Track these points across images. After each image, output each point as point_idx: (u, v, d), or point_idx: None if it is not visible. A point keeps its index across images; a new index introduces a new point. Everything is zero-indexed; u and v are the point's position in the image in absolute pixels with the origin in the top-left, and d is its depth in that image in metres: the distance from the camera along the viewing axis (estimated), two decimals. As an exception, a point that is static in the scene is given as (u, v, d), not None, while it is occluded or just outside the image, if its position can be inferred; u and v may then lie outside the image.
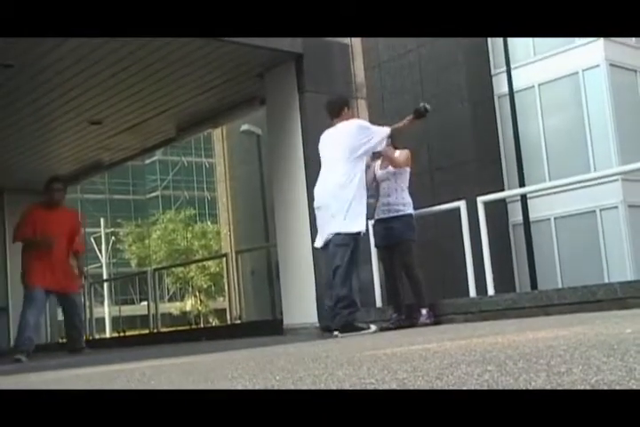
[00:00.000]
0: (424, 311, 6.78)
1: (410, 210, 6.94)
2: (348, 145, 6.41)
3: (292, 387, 2.05)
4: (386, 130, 6.66)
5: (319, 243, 6.53)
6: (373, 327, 6.25)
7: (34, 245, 7.93)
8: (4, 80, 8.74)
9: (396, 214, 6.89)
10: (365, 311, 7.80)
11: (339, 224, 6.27)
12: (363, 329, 6.13)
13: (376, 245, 7.27)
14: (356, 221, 6.29)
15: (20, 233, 8.14)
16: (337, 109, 6.67)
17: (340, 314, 6.09)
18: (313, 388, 1.97)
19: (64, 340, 11.38)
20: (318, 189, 6.56)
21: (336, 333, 6.06)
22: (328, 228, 6.35)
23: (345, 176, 6.33)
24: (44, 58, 8.25)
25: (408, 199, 6.97)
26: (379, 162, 7.05)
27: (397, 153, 6.96)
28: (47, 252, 7.88)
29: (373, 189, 7.07)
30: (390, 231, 6.88)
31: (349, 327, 6.07)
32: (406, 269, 6.92)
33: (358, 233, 6.33)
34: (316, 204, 6.57)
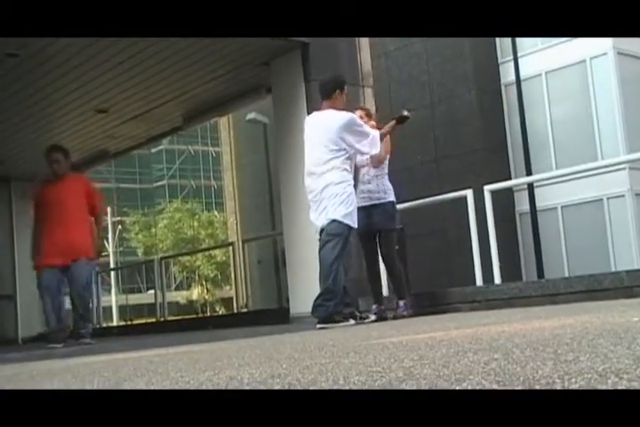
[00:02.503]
0: (401, 303, 6.74)
1: (391, 197, 6.82)
2: (333, 137, 6.24)
3: (299, 375, 2.05)
4: (377, 135, 6.48)
5: (316, 229, 6.40)
6: (352, 321, 6.18)
7: (46, 218, 7.55)
8: (10, 69, 8.74)
9: (377, 202, 6.77)
10: (366, 301, 7.82)
11: (333, 213, 6.16)
12: (341, 322, 6.03)
13: (357, 234, 6.88)
14: (350, 215, 6.19)
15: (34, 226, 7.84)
16: (329, 92, 6.45)
17: (324, 306, 6.02)
18: (319, 377, 1.97)
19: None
20: (311, 184, 6.36)
21: (318, 325, 5.97)
22: (322, 215, 6.23)
23: (336, 174, 6.19)
24: (50, 47, 8.23)
25: (389, 186, 6.86)
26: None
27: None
28: (60, 225, 7.46)
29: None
30: (371, 220, 6.73)
31: (328, 319, 5.98)
32: (386, 260, 6.86)
33: (352, 227, 6.23)
34: (310, 199, 6.41)
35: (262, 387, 1.87)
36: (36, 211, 7.78)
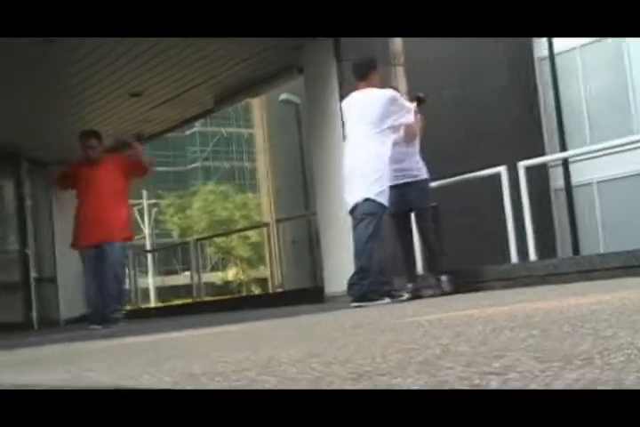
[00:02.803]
0: (444, 278, 6.73)
1: (424, 174, 6.80)
2: (376, 116, 6.26)
3: (336, 354, 2.07)
4: (412, 109, 6.55)
5: (349, 207, 6.43)
6: (387, 299, 6.18)
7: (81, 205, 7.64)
8: (45, 55, 8.81)
9: (412, 180, 6.74)
10: (400, 280, 7.82)
11: (368, 191, 6.18)
12: (376, 300, 6.05)
13: (390, 213, 6.87)
14: (384, 194, 6.21)
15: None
16: (364, 72, 6.47)
17: (359, 284, 6.05)
18: (356, 355, 1.99)
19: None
20: (348, 163, 6.41)
21: (353, 304, 6.02)
22: (357, 193, 6.25)
23: (375, 152, 6.23)
24: (84, 31, 8.28)
25: (421, 163, 6.84)
26: None
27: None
28: (95, 208, 7.50)
29: None
30: (405, 198, 6.71)
31: (363, 298, 6.02)
32: (423, 236, 6.87)
33: (385, 206, 6.25)
34: (346, 177, 6.44)
35: (299, 365, 1.88)
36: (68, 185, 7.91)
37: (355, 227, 6.23)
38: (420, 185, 6.75)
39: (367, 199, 6.16)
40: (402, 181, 6.73)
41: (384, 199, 6.20)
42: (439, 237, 7.01)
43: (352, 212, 6.33)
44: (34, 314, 12.37)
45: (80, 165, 7.81)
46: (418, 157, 6.84)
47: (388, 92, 6.42)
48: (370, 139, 6.25)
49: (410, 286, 6.85)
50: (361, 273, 6.07)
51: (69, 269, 7.95)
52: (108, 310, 7.51)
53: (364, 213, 6.16)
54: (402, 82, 8.77)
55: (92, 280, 7.45)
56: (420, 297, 6.67)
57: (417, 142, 6.87)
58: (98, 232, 7.45)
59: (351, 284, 6.11)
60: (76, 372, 2.46)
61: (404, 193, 6.70)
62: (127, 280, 9.45)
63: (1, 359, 3.87)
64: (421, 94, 6.97)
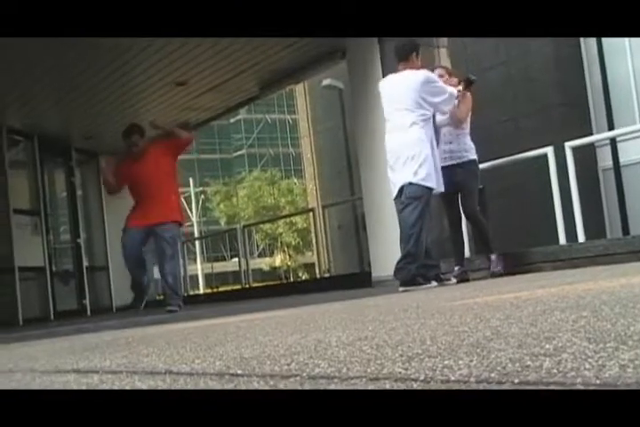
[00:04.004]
0: (493, 257, 6.70)
1: (472, 155, 6.78)
2: (410, 99, 6.23)
3: (386, 337, 2.08)
4: (453, 91, 6.50)
5: (394, 193, 6.42)
6: (434, 283, 6.20)
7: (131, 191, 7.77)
8: (94, 47, 8.93)
9: (459, 161, 6.75)
10: (447, 263, 7.80)
11: (413, 175, 6.15)
12: (423, 284, 6.07)
13: (439, 194, 6.96)
14: (429, 177, 6.18)
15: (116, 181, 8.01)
16: (405, 54, 6.48)
17: (406, 268, 6.05)
18: (406, 337, 2.00)
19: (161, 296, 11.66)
20: (391, 148, 6.39)
21: (401, 288, 6.04)
22: (401, 177, 6.24)
23: (416, 136, 6.19)
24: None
25: (470, 144, 6.82)
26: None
27: (458, 105, 6.79)
28: (147, 199, 7.61)
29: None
30: (453, 180, 6.70)
31: (411, 282, 6.04)
32: (471, 217, 6.83)
33: (432, 189, 6.22)
34: (389, 161, 6.42)
35: (349, 348, 1.90)
36: (120, 184, 7.94)
37: (400, 211, 6.22)
38: (467, 167, 6.73)
39: (412, 183, 6.14)
40: (450, 163, 6.76)
41: (431, 183, 6.18)
42: (486, 219, 6.97)
43: (398, 196, 6.31)
44: (87, 302, 12.61)
45: (126, 161, 7.85)
46: (467, 139, 6.81)
47: (422, 74, 6.37)
48: (410, 121, 6.21)
49: (457, 268, 6.84)
50: (408, 257, 6.06)
51: (120, 258, 8.03)
52: (167, 299, 7.74)
53: (410, 197, 6.14)
54: (446, 63, 8.71)
55: (132, 258, 7.55)
56: (467, 280, 6.66)
57: (466, 124, 6.83)
58: (151, 215, 7.57)
59: (398, 268, 6.11)
60: (131, 357, 2.52)
61: (452, 174, 6.71)
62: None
63: (60, 346, 3.96)
64: (472, 76, 6.93)
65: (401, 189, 6.24)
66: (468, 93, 6.87)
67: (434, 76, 6.51)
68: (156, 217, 7.57)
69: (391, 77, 6.53)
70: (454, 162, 6.76)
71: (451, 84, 6.79)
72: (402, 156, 6.21)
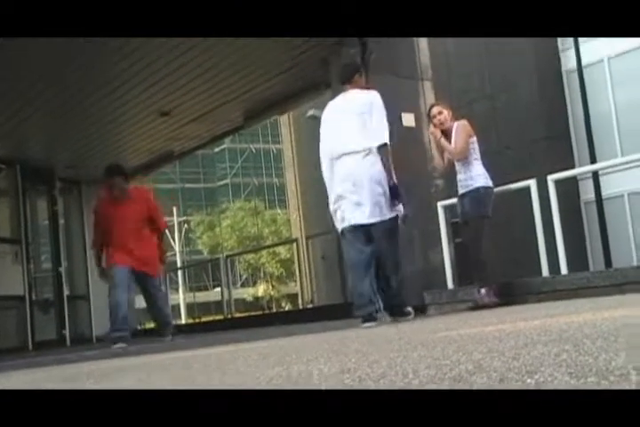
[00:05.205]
0: (483, 291, 6.67)
1: (478, 183, 6.72)
2: (366, 118, 5.74)
3: (368, 370, 2.07)
4: (387, 132, 5.80)
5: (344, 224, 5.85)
6: (412, 312, 5.99)
7: (111, 238, 7.53)
8: (80, 76, 8.96)
9: (466, 190, 6.80)
10: (437, 294, 7.79)
11: (388, 208, 5.74)
12: (406, 315, 5.88)
13: (458, 222, 7.16)
14: (397, 208, 5.78)
15: (92, 241, 7.98)
16: (350, 74, 6.08)
17: (400, 297, 5.87)
18: (389, 370, 1.99)
19: (149, 326, 11.56)
20: (342, 172, 5.77)
21: (390, 318, 5.81)
22: (368, 210, 5.72)
23: (375, 162, 5.69)
24: (115, 54, 8.41)
25: (477, 171, 6.77)
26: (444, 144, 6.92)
27: (453, 137, 6.80)
28: (125, 241, 7.44)
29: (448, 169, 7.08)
30: (462, 209, 6.85)
31: (394, 313, 5.85)
32: (471, 246, 6.83)
33: (397, 217, 5.82)
34: (341, 190, 5.81)
35: (331, 381, 1.89)
36: (97, 225, 7.79)
37: (381, 246, 5.78)
38: (471, 195, 6.76)
39: (390, 218, 5.77)
40: (461, 192, 6.86)
41: (398, 212, 5.81)
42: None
43: (351, 230, 5.82)
44: (67, 331, 12.48)
45: (105, 201, 7.70)
46: (473, 167, 6.77)
47: (373, 93, 5.92)
48: (365, 145, 5.73)
49: (483, 291, 6.73)
50: (399, 286, 5.90)
51: (101, 286, 7.94)
52: (162, 331, 7.96)
53: (385, 230, 5.77)
54: (430, 96, 8.78)
55: (120, 296, 7.23)
56: (495, 305, 6.56)
57: (472, 151, 6.79)
58: (136, 257, 7.45)
59: (392, 296, 5.89)
60: (110, 387, 2.49)
61: (461, 204, 6.86)
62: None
63: (39, 376, 3.91)
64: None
65: (365, 225, 5.80)
66: (462, 123, 6.86)
67: (380, 99, 5.90)
68: (142, 262, 7.50)
69: (336, 101, 6.12)
70: (463, 191, 6.83)
71: (446, 125, 6.78)
72: (362, 184, 5.76)
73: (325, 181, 6.03)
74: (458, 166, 6.87)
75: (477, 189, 6.76)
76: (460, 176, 6.87)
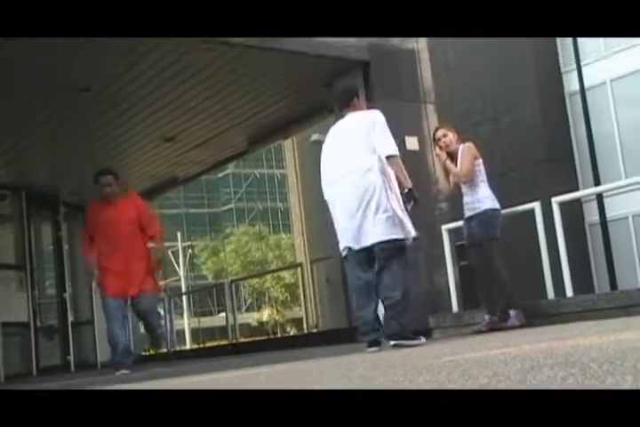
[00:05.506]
0: (512, 313, 6.61)
1: (485, 205, 6.71)
2: (372, 140, 5.65)
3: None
4: (394, 147, 5.73)
5: (352, 245, 5.72)
6: (423, 339, 5.76)
7: (100, 246, 7.32)
8: (82, 104, 9.02)
9: (473, 213, 6.79)
10: (442, 317, 7.76)
11: (393, 229, 5.59)
12: (413, 339, 5.59)
13: (465, 245, 7.11)
14: (404, 226, 5.64)
15: (82, 247, 7.72)
16: (347, 99, 6.04)
17: (397, 320, 5.56)
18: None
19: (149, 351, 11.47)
20: (344, 193, 5.69)
21: (392, 342, 5.57)
22: (373, 235, 5.59)
23: (380, 182, 5.57)
24: (118, 80, 8.48)
25: (484, 194, 6.77)
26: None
27: (459, 159, 6.80)
28: (116, 252, 7.21)
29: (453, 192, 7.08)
30: (471, 231, 6.82)
31: (401, 335, 5.56)
32: (489, 271, 6.78)
33: (405, 239, 5.67)
34: (342, 212, 5.75)
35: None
36: (86, 232, 7.57)
37: (383, 270, 5.61)
38: (479, 217, 6.74)
39: (387, 241, 5.59)
40: (468, 215, 6.84)
41: (405, 231, 5.67)
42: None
43: (356, 253, 5.72)
44: (71, 357, 12.43)
45: (96, 204, 7.59)
46: (480, 189, 6.77)
47: (379, 113, 5.87)
48: (370, 165, 5.63)
49: (488, 317, 6.74)
50: (397, 307, 5.71)
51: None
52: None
53: (391, 251, 5.61)
54: (433, 119, 8.81)
55: (117, 327, 7.18)
56: (498, 329, 6.53)
57: (478, 173, 6.79)
58: (127, 282, 7.25)
59: (387, 320, 5.71)
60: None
61: (469, 226, 6.84)
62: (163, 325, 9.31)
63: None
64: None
65: (367, 247, 5.69)
66: (468, 145, 6.86)
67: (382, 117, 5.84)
68: (134, 284, 7.24)
69: (338, 125, 6.05)
70: (470, 214, 6.81)
71: (451, 148, 6.78)
72: (367, 206, 5.65)
73: (329, 205, 6.01)
74: (464, 189, 6.85)
75: (485, 212, 6.74)
76: (466, 199, 6.85)
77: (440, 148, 6.90)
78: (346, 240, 5.80)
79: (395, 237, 5.64)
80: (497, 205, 6.82)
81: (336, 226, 5.95)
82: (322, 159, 6.07)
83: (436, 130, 7.09)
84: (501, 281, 6.70)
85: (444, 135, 6.87)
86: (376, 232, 5.61)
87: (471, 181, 6.78)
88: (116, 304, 7.24)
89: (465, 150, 6.80)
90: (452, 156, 6.84)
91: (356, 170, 5.67)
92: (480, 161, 6.85)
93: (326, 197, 5.98)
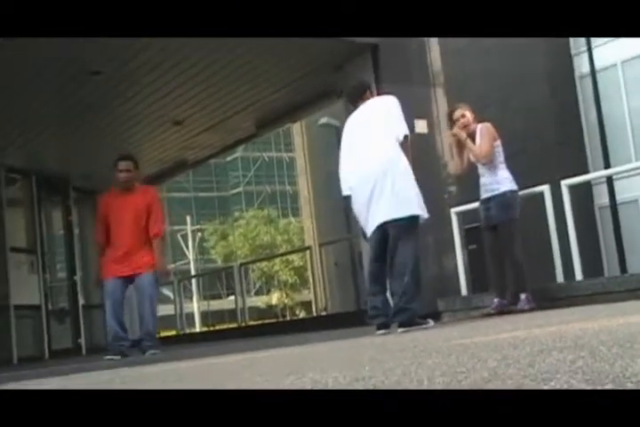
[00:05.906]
0: (523, 297, 6.60)
1: (504, 187, 6.69)
2: (389, 121, 5.77)
3: (383, 378, 2.06)
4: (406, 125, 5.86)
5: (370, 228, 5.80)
6: (431, 322, 5.82)
7: (110, 235, 7.30)
8: (94, 87, 9.02)
9: (491, 194, 6.74)
10: (451, 301, 7.77)
11: (407, 207, 5.67)
12: (422, 324, 5.65)
13: (481, 227, 7.04)
14: (420, 204, 5.72)
15: (96, 236, 7.64)
16: (360, 93, 6.12)
17: (409, 309, 5.57)
18: (403, 378, 1.99)
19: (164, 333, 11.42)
20: (365, 171, 5.78)
21: (400, 329, 5.57)
22: (386, 212, 5.68)
23: (400, 156, 5.67)
24: (129, 63, 8.47)
25: (503, 175, 6.75)
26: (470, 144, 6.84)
27: (477, 140, 6.78)
28: (121, 239, 7.21)
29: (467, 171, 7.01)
30: (488, 213, 6.76)
31: (413, 322, 5.59)
32: (506, 252, 6.75)
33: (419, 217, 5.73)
34: (364, 190, 5.79)
35: (348, 389, 1.89)
36: (99, 220, 7.52)
37: (395, 247, 5.69)
38: (498, 199, 6.70)
39: (401, 218, 5.65)
40: (485, 196, 6.79)
41: (421, 208, 5.75)
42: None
43: (377, 229, 5.77)
44: (82, 340, 12.51)
45: (110, 193, 7.53)
46: (498, 170, 6.75)
47: (390, 97, 5.98)
48: (389, 148, 5.74)
49: (497, 301, 6.74)
50: (407, 295, 5.74)
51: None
52: (143, 341, 7.33)
53: (404, 232, 5.66)
54: (442, 102, 8.77)
55: (114, 308, 7.25)
56: (506, 313, 6.53)
57: (497, 155, 6.77)
58: (128, 264, 7.24)
59: (399, 309, 5.60)
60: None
61: (488, 208, 6.77)
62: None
63: (57, 385, 3.93)
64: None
65: (382, 225, 5.77)
66: (486, 125, 6.84)
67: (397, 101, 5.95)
68: (134, 266, 7.23)
69: (356, 114, 6.10)
70: (488, 195, 6.77)
71: (470, 128, 6.77)
72: (386, 184, 5.75)
73: (351, 193, 6.03)
74: (482, 170, 6.81)
75: (504, 193, 6.71)
76: (484, 180, 6.81)
77: (459, 127, 6.85)
78: (371, 225, 5.81)
79: (409, 213, 5.69)
80: (515, 187, 6.79)
81: (357, 212, 6.00)
82: (341, 152, 6.18)
83: (454, 110, 7.02)
84: (517, 264, 6.68)
85: (463, 115, 6.83)
86: (390, 209, 5.68)
87: (490, 162, 6.75)
88: (113, 286, 7.28)
89: (484, 130, 6.77)
90: (471, 136, 6.81)
91: (377, 153, 5.76)
92: (499, 142, 6.83)
93: (349, 184, 6.04)
